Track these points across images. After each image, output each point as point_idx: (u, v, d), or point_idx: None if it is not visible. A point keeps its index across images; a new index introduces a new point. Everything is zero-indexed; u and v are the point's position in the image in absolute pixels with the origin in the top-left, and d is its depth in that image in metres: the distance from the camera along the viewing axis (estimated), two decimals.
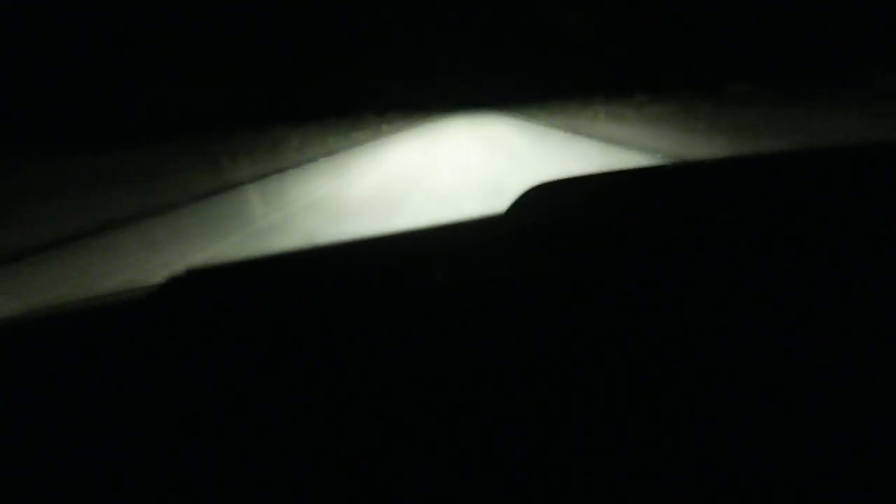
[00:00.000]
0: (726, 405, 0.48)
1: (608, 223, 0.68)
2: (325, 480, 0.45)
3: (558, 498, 0.43)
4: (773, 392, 0.49)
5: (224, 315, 0.58)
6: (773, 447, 0.45)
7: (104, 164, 11.37)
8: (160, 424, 0.50)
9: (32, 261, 4.90)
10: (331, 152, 13.75)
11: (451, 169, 8.48)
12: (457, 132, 17.46)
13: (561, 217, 0.69)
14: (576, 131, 12.46)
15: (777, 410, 0.47)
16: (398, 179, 7.92)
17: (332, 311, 0.58)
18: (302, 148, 14.45)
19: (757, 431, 0.46)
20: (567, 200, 0.72)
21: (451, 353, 0.53)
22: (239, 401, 0.51)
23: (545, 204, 0.71)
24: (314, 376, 0.52)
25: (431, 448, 0.46)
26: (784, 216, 0.66)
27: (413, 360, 0.53)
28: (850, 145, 0.79)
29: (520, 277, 0.61)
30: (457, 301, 0.59)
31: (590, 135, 11.27)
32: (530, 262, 0.63)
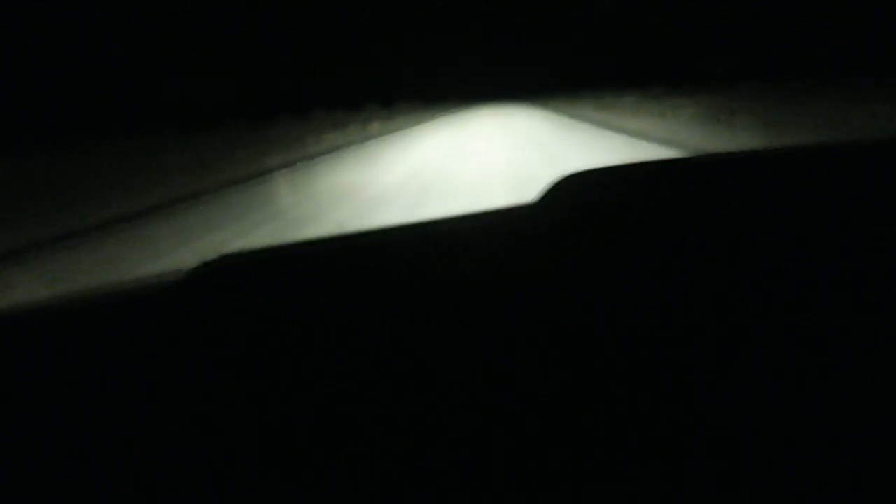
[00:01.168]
0: (767, 409, 0.47)
1: (642, 214, 0.67)
2: (358, 466, 0.45)
3: (577, 498, 0.43)
4: (810, 396, 0.48)
5: (256, 302, 0.58)
6: (787, 452, 0.44)
7: (138, 152, 11.57)
8: (190, 410, 0.50)
9: (64, 247, 5.01)
10: (359, 142, 13.81)
11: (479, 159, 8.45)
12: (484, 123, 17.41)
13: (593, 207, 0.68)
14: (603, 124, 12.32)
15: (812, 418, 0.46)
16: (426, 170, 7.92)
17: (363, 300, 0.58)
18: (331, 137, 14.54)
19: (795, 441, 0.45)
20: (600, 190, 0.71)
21: (481, 344, 0.53)
22: (269, 388, 0.51)
23: (577, 194, 0.70)
24: (345, 365, 0.52)
25: (466, 440, 0.46)
26: (821, 211, 0.65)
27: (443, 351, 0.53)
28: (882, 139, 0.76)
29: (551, 268, 0.60)
30: (487, 291, 0.58)
31: (618, 128, 11.14)
32: (562, 253, 0.62)
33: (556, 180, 0.69)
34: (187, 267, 0.64)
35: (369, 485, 0.44)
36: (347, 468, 0.45)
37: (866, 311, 0.53)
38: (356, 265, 0.63)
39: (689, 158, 0.86)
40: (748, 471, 0.43)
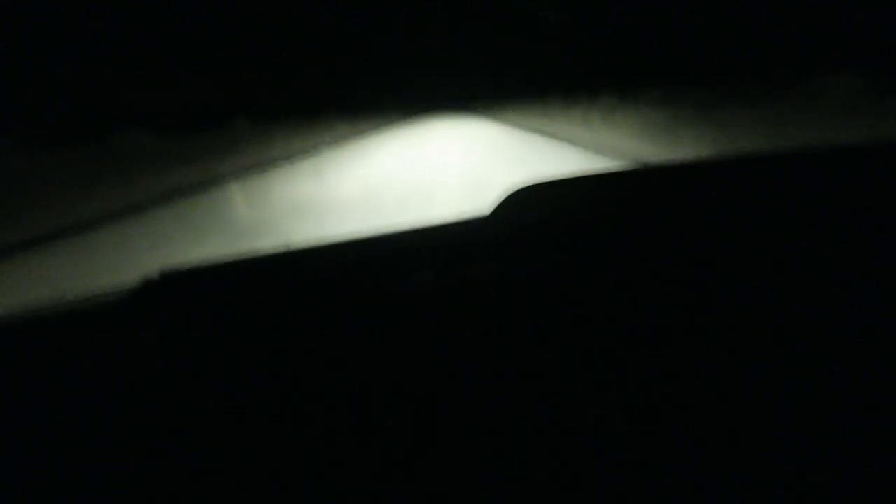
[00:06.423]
0: (707, 407, 0.48)
1: (591, 225, 0.68)
2: (299, 485, 0.44)
3: (541, 498, 0.43)
4: (754, 393, 0.49)
5: (199, 319, 0.57)
6: (763, 445, 0.45)
7: (77, 161, 11.15)
8: (131, 431, 0.49)
9: (2, 263, 4.79)
10: (310, 152, 13.65)
11: (432, 169, 8.48)
12: (437, 133, 17.46)
13: (544, 218, 0.69)
14: (554, 135, 12.52)
15: (762, 410, 0.47)
16: (380, 180, 7.89)
17: (313, 315, 0.57)
18: (281, 146, 14.33)
19: (745, 429, 0.46)
20: (550, 202, 0.72)
21: (435, 353, 0.53)
22: (214, 407, 0.50)
23: (528, 205, 0.71)
24: (293, 381, 0.51)
25: (416, 448, 0.46)
26: (764, 219, 0.67)
27: (397, 361, 0.52)
28: (832, 146, 0.80)
29: (503, 278, 0.60)
30: (441, 302, 0.58)
31: (568, 138, 11.33)
32: (514, 263, 0.62)
33: (507, 191, 0.70)
34: (130, 282, 0.62)
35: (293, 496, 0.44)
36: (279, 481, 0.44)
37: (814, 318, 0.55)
38: (305, 278, 0.61)
39: (638, 169, 0.88)
40: (745, 470, 0.43)
